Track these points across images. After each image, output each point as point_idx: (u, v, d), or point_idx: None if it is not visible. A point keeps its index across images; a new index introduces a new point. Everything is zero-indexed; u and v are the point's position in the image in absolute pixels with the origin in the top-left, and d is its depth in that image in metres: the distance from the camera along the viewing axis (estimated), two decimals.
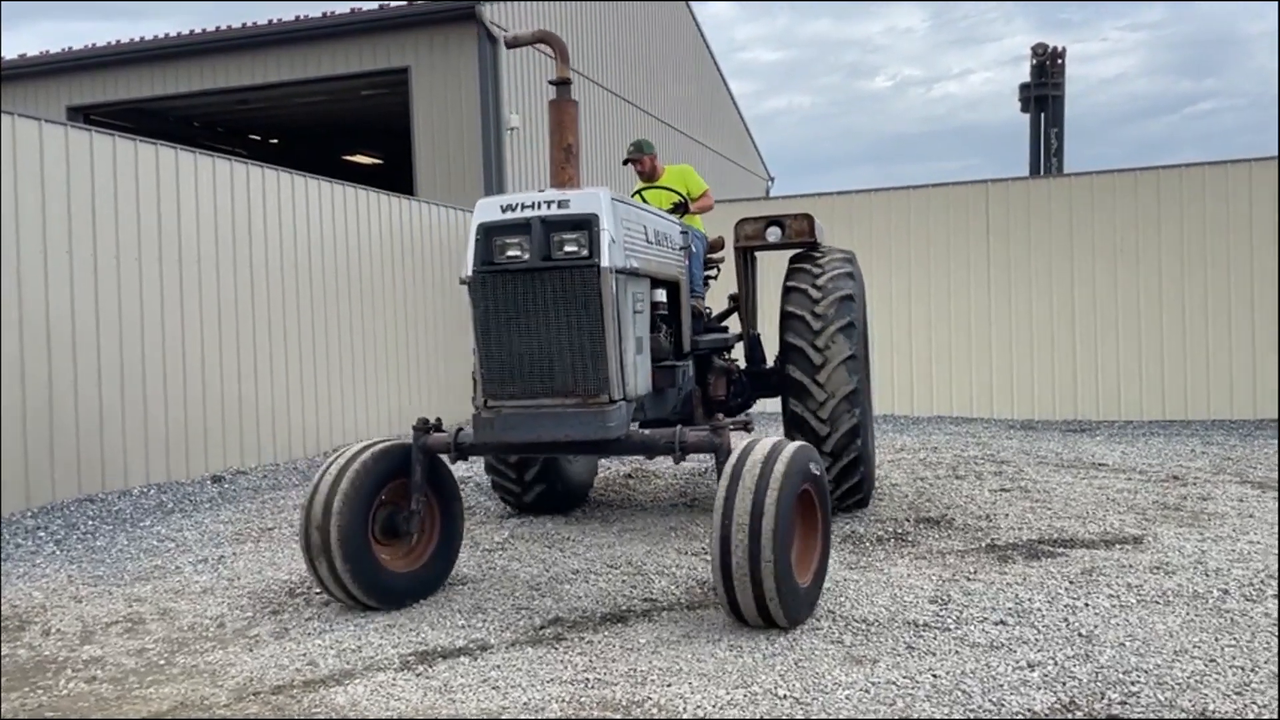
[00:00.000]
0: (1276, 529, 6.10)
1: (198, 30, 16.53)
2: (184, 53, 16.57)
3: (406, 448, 4.96)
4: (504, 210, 4.73)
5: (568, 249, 4.63)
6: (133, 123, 17.62)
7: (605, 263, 4.64)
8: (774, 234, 6.94)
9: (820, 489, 4.60)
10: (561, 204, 4.69)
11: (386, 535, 4.88)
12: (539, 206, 4.69)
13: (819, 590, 4.61)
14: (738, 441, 4.55)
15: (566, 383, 4.72)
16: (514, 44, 5.59)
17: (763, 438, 4.56)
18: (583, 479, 7.42)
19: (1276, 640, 4.12)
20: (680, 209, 7.15)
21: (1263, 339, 11.23)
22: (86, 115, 17.13)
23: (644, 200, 6.92)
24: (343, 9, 15.59)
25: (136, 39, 17.07)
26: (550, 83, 5.49)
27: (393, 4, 15.27)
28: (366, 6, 15.47)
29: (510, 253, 4.68)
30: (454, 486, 5.29)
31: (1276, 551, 5.56)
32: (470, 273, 4.76)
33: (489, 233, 4.73)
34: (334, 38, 15.69)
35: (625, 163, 7.68)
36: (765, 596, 4.15)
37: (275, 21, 15.97)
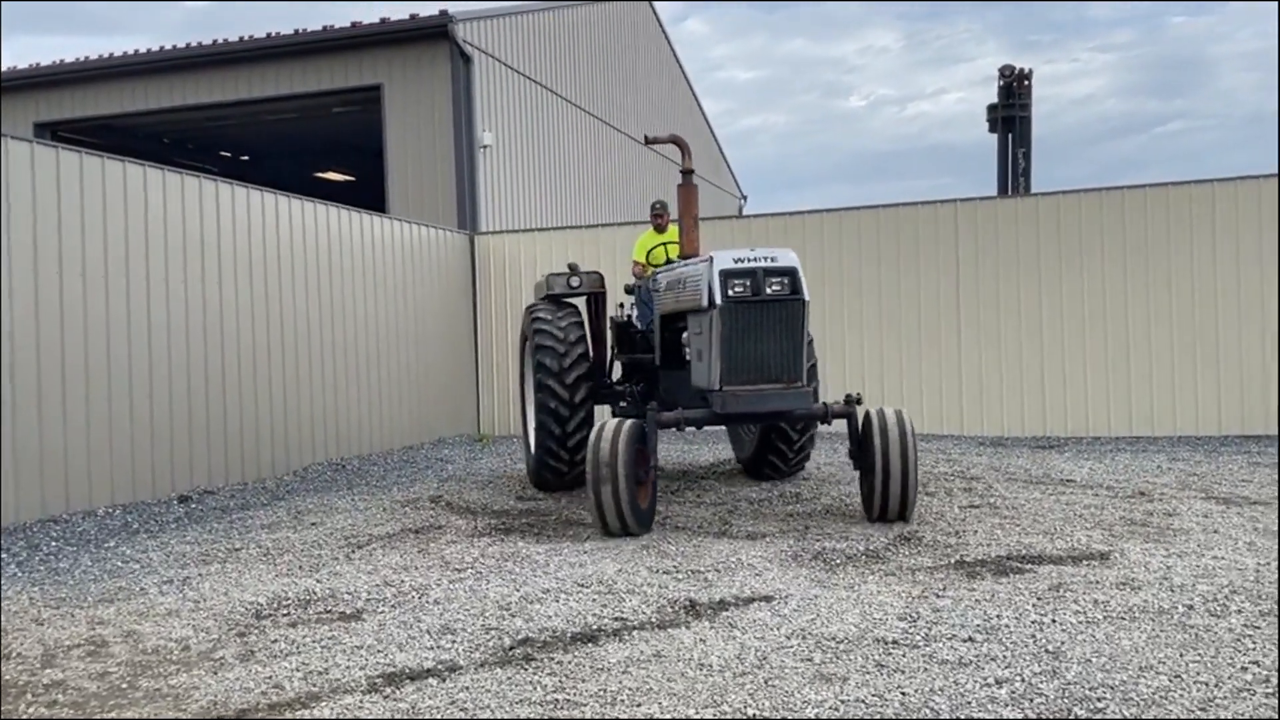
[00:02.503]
0: (1277, 535, 6.21)
1: (168, 47, 16.44)
2: (154, 69, 16.47)
3: (642, 424, 7.00)
4: (735, 262, 6.98)
5: (775, 288, 6.94)
6: (101, 139, 17.47)
7: (806, 297, 7.03)
8: None
9: (914, 435, 7.05)
10: (772, 259, 7.03)
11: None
12: (759, 260, 7.00)
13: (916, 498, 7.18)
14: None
15: (778, 373, 6.98)
16: (651, 142, 8.97)
17: (878, 407, 7.20)
18: None
19: (1277, 643, 4.19)
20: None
21: (1227, 355, 11.40)
22: (54, 132, 16.97)
23: (667, 252, 9.08)
24: (314, 26, 15.55)
25: (106, 55, 16.95)
26: (681, 171, 8.49)
27: (365, 21, 15.26)
28: (338, 24, 15.44)
29: (737, 289, 6.90)
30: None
31: (1276, 557, 5.67)
32: (719, 302, 6.89)
33: (726, 276, 6.92)
34: (306, 55, 15.65)
35: (654, 216, 9.51)
36: (905, 502, 6.93)
37: (246, 39, 15.90)
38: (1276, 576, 5.30)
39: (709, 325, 7.06)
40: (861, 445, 7.16)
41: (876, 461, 6.85)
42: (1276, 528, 6.54)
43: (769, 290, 6.94)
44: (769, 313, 6.96)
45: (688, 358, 7.80)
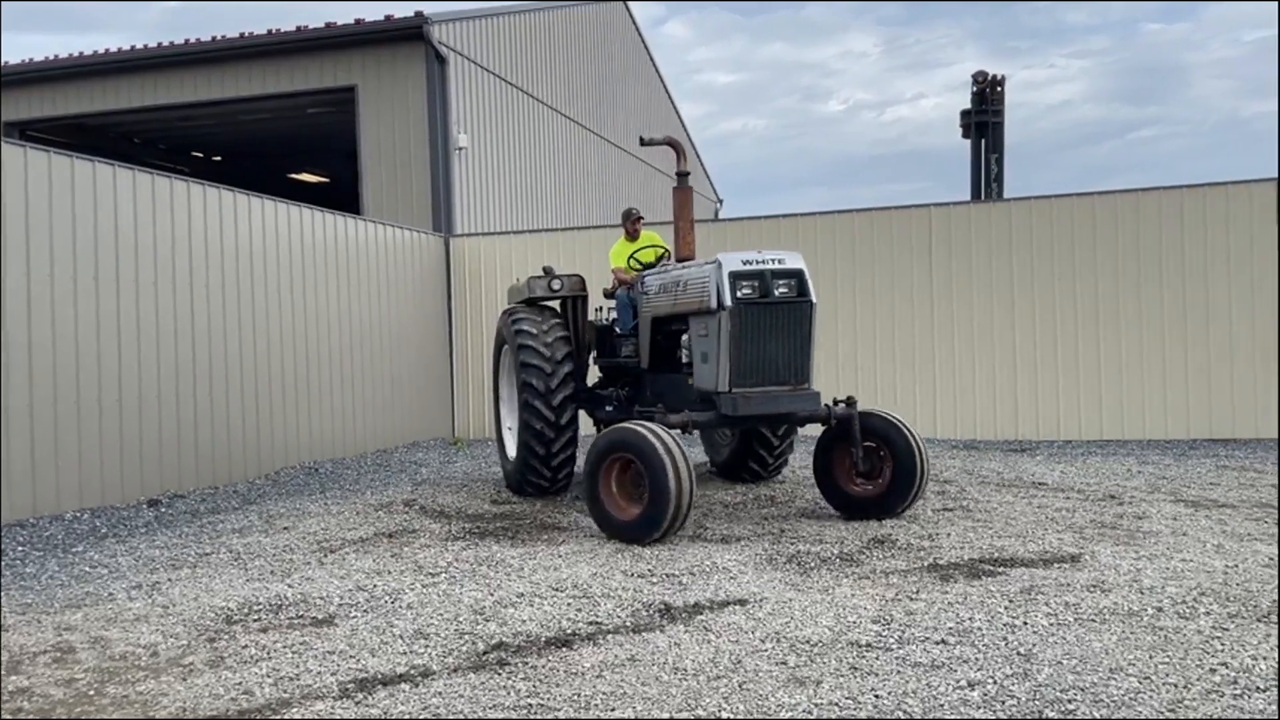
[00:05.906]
0: (1277, 538, 6.28)
1: (140, 46, 16.28)
2: (126, 68, 16.30)
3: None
4: (743, 264, 7.01)
5: (782, 291, 6.99)
6: (72, 139, 17.27)
7: (814, 299, 7.10)
8: None
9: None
10: (779, 261, 7.08)
11: None
12: (766, 263, 7.03)
13: None
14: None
15: (786, 375, 7.05)
16: (647, 144, 8.92)
17: (876, 408, 7.64)
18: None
19: (1277, 644, 4.23)
20: (663, 258, 8.86)
21: (1196, 360, 11.53)
22: (24, 131, 16.76)
23: (652, 253, 9.04)
24: (288, 26, 15.44)
25: (77, 54, 16.77)
26: (676, 174, 8.50)
27: (339, 22, 15.17)
28: (313, 24, 15.34)
29: (744, 291, 6.94)
30: None
31: (1276, 559, 5.74)
32: (728, 304, 6.90)
33: (735, 278, 6.94)
34: (279, 55, 15.54)
35: (628, 223, 9.20)
36: (925, 487, 7.21)
37: (220, 38, 15.77)
38: (1277, 574, 5.37)
39: (716, 327, 7.03)
40: (869, 444, 7.23)
41: (916, 460, 7.04)
42: (1277, 527, 6.63)
43: (777, 292, 6.97)
44: (778, 315, 6.99)
45: (685, 360, 7.65)
